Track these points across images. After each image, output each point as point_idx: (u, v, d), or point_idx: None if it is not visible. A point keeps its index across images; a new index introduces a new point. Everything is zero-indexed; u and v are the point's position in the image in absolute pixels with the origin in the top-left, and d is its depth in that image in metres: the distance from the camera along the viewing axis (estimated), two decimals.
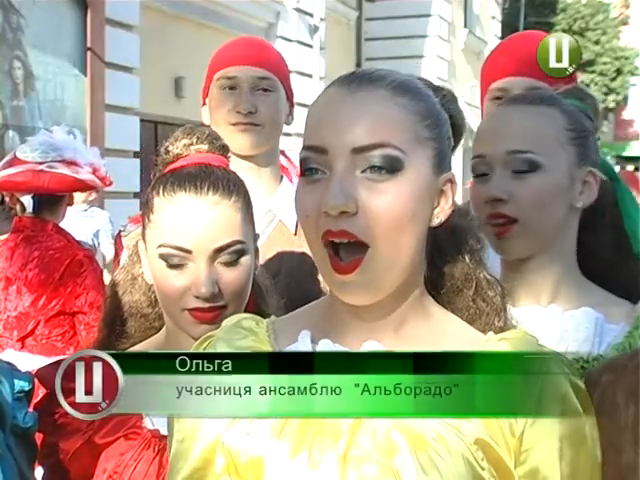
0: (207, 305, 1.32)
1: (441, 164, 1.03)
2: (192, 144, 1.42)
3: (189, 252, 1.32)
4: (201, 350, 1.11)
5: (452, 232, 1.10)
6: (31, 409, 1.39)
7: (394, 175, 0.97)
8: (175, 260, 1.33)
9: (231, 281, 1.34)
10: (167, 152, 1.43)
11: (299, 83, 12.43)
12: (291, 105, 2.03)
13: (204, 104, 2.03)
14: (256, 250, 1.43)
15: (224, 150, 1.47)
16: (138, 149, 8.72)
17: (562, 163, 1.38)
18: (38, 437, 1.38)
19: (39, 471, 1.46)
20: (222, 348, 1.09)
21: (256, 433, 1.01)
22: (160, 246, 1.34)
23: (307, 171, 1.01)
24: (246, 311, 1.43)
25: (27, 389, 1.30)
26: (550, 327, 1.37)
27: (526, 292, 1.40)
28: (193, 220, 1.32)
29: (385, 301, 1.03)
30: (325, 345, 1.05)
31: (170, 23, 9.54)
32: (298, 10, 12.40)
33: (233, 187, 1.36)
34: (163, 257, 1.33)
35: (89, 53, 8.11)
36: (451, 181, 1.04)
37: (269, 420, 1.00)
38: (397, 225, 0.98)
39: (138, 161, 8.56)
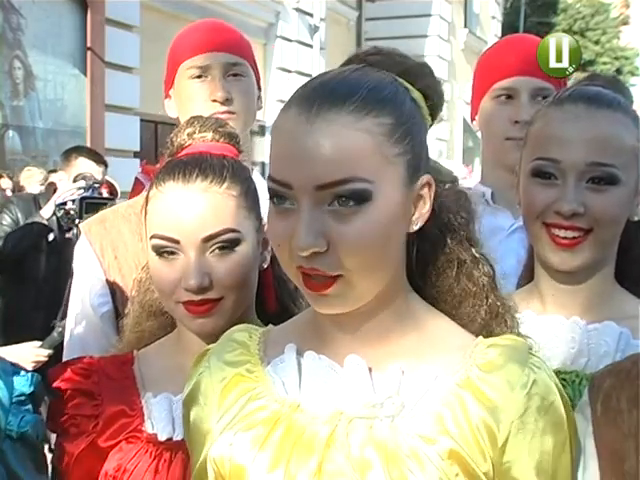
0: (198, 298, 1.26)
1: (415, 171, 0.98)
2: (195, 132, 1.38)
3: (177, 242, 1.26)
4: (201, 363, 1.12)
5: (434, 214, 1.04)
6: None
7: (363, 205, 0.92)
8: (165, 251, 1.27)
9: (224, 272, 1.27)
10: (172, 143, 1.40)
11: (299, 83, 12.40)
12: (259, 88, 1.92)
13: (167, 97, 1.90)
14: (264, 241, 1.35)
15: (231, 137, 1.41)
16: (138, 149, 8.72)
17: (634, 176, 1.32)
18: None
19: None
20: (214, 362, 1.09)
21: (239, 444, 1.01)
22: (152, 237, 1.29)
23: (276, 198, 0.96)
24: (268, 309, 1.41)
25: (28, 392, 1.26)
26: (571, 340, 1.32)
27: (553, 300, 1.36)
28: (180, 208, 1.26)
29: (365, 311, 1.00)
30: (310, 357, 1.03)
31: (170, 23, 9.52)
32: (298, 10, 12.41)
33: (228, 174, 1.30)
34: (155, 248, 1.29)
35: (89, 53, 8.12)
36: (428, 184, 1.00)
37: (252, 431, 1.01)
38: (370, 254, 0.94)
39: (138, 161, 8.56)
